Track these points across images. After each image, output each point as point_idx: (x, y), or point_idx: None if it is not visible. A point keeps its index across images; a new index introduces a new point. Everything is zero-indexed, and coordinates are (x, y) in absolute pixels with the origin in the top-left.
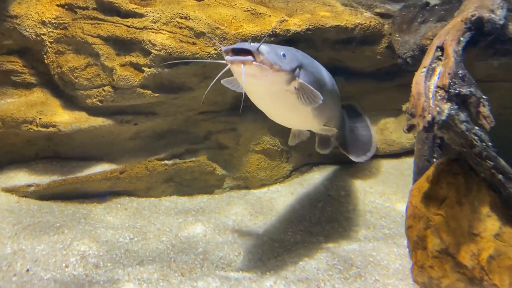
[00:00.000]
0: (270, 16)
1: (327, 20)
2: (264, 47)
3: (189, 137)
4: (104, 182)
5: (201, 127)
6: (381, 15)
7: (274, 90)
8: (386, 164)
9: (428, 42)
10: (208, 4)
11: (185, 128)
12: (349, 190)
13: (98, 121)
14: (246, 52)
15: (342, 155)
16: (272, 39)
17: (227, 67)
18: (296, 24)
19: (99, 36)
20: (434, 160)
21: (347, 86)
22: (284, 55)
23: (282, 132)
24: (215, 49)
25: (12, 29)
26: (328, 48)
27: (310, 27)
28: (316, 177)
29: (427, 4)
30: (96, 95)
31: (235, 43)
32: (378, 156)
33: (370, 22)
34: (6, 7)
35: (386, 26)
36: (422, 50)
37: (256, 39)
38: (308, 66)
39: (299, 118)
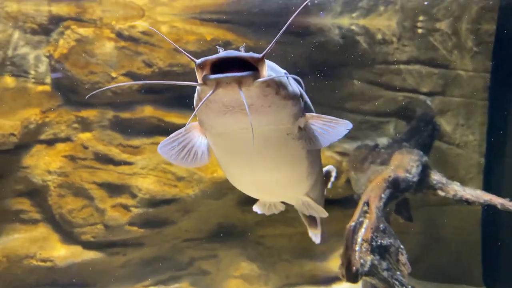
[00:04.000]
0: None
1: None
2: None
3: (173, 264)
4: None
5: (185, 254)
6: (340, 153)
7: (271, 135)
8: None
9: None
10: None
11: (171, 255)
12: None
13: (91, 254)
14: (239, 66)
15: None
16: None
17: (206, 96)
18: None
19: (94, 182)
20: None
21: None
22: (287, 75)
23: (260, 256)
24: (193, 190)
25: (24, 177)
26: None
27: None
28: None
29: (377, 145)
30: (90, 232)
31: (210, 184)
32: None
33: (327, 162)
34: (20, 159)
35: (344, 163)
36: None
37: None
38: (303, 94)
39: (289, 180)
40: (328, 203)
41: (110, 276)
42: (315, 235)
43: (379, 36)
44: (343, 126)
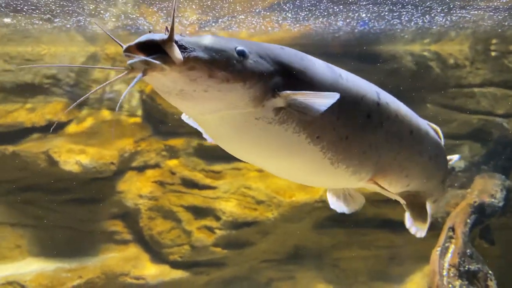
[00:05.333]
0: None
1: None
2: (189, 38)
3: (252, 284)
4: None
5: (263, 275)
6: None
7: (235, 121)
8: None
9: (452, 209)
10: (267, 175)
11: (250, 275)
12: None
13: (178, 273)
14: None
15: None
16: (320, 204)
17: (118, 77)
18: None
19: (181, 206)
20: None
21: (392, 236)
22: (242, 52)
23: (337, 278)
24: (272, 214)
25: (118, 201)
26: (372, 205)
27: None
28: None
29: (453, 169)
30: (177, 252)
31: (289, 208)
32: None
33: None
34: (115, 185)
35: None
36: (448, 214)
37: (306, 205)
38: (312, 73)
39: (307, 168)
40: (403, 227)
41: None
42: (419, 229)
43: (451, 61)
44: (329, 97)
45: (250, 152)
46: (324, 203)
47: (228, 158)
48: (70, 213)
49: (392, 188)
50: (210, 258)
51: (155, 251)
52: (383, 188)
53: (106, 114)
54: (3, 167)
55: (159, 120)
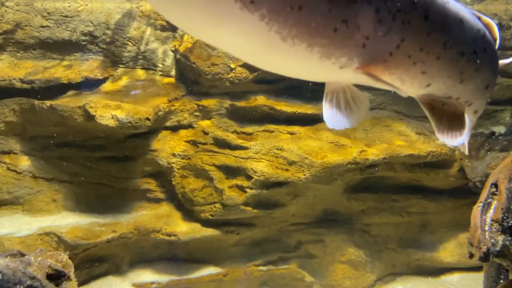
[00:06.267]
0: (351, 147)
1: (401, 149)
2: None
3: (282, 246)
4: (210, 284)
5: (292, 237)
6: None
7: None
8: (467, 277)
9: (492, 171)
10: (299, 137)
11: (279, 237)
12: None
13: (209, 231)
14: None
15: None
16: (353, 166)
17: None
18: (374, 153)
19: (213, 165)
20: (501, 281)
21: (426, 203)
22: None
23: (366, 244)
24: (304, 174)
25: (151, 159)
26: (406, 170)
27: (387, 156)
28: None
29: (493, 133)
30: (209, 210)
31: (321, 169)
32: (458, 269)
33: (441, 149)
34: (149, 143)
35: (457, 152)
36: (488, 177)
37: (339, 166)
38: None
39: (256, 46)
40: (437, 193)
41: (224, 254)
42: (451, 139)
43: (495, 21)
44: None
45: (180, 19)
46: (357, 165)
47: (259, 120)
48: (104, 170)
49: (407, 87)
50: (240, 217)
51: (187, 209)
52: (381, 80)
53: (141, 73)
54: (40, 122)
55: (193, 80)
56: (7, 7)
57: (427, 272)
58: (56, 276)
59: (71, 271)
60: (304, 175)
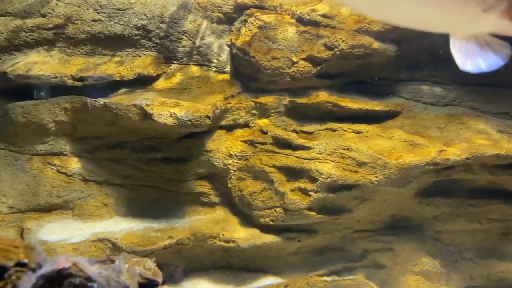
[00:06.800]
0: (428, 146)
1: (486, 148)
2: None
3: (346, 254)
4: None
5: (357, 245)
6: None
7: None
8: None
9: None
10: (367, 136)
11: (342, 245)
12: None
13: (269, 238)
14: None
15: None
16: (432, 167)
17: None
18: (455, 153)
19: (274, 166)
20: None
21: (508, 209)
22: None
23: (440, 253)
24: (376, 176)
25: (206, 160)
26: (487, 172)
27: (470, 156)
28: None
29: None
30: (269, 215)
31: (397, 173)
32: None
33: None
34: (204, 144)
35: None
36: None
37: (416, 168)
38: None
39: None
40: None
41: (283, 262)
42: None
43: None
44: None
45: None
46: (436, 166)
47: (321, 118)
48: (157, 172)
49: None
50: (302, 223)
51: (244, 214)
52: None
53: (194, 69)
54: (92, 121)
55: (249, 76)
56: (58, 0)
57: (511, 285)
58: (148, 285)
59: (160, 281)
60: (377, 177)
